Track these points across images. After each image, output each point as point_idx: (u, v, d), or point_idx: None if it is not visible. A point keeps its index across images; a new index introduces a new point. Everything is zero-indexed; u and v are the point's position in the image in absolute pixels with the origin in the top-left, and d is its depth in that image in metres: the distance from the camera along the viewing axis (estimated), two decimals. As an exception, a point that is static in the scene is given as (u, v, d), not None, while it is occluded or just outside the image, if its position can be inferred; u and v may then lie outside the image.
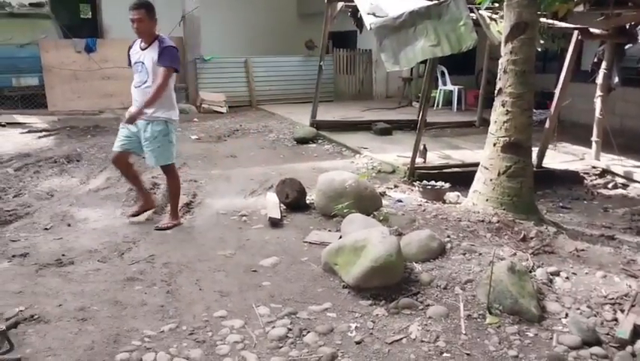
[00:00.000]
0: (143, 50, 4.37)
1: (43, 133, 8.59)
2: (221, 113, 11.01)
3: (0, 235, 4.27)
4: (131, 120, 4.33)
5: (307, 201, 5.10)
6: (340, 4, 8.34)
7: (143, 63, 4.35)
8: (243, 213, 4.92)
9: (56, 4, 12.61)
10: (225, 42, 13.70)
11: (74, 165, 6.66)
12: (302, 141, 8.21)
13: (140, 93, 4.38)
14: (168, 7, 12.69)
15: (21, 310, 3.01)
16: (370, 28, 5.83)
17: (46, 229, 4.49)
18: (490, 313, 3.08)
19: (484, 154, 4.84)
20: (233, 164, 6.91)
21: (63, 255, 3.89)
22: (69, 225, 4.58)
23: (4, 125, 8.93)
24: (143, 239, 4.26)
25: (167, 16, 12.46)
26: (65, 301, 3.18)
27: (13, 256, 3.89)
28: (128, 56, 4.52)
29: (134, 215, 4.73)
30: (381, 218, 4.43)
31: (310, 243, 4.21)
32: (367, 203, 4.70)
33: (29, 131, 8.59)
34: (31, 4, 11.15)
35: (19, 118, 9.50)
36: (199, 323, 2.97)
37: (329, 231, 4.46)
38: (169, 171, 4.63)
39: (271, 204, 4.97)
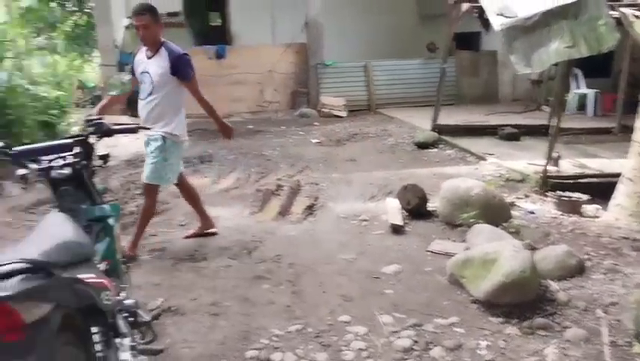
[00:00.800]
0: (148, 58, 3.96)
1: (178, 135, 9.21)
2: (341, 117, 11.13)
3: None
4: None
5: (429, 209, 4.97)
6: (465, 5, 8.07)
7: (148, 73, 3.93)
8: (363, 217, 4.91)
9: (189, 13, 13.46)
10: (345, 46, 13.81)
11: (206, 166, 7.07)
12: (422, 145, 8.05)
13: (146, 107, 3.96)
14: (290, 13, 13.19)
15: (163, 301, 3.23)
16: (499, 30, 5.57)
17: (181, 225, 4.80)
18: (639, 341, 2.79)
19: (628, 164, 4.43)
20: (353, 168, 6.93)
21: (196, 250, 4.13)
22: (202, 222, 4.85)
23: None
24: (269, 239, 4.40)
25: (289, 23, 13.00)
26: (199, 295, 3.36)
27: (153, 250, 4.19)
28: (132, 66, 4.11)
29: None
30: (512, 230, 4.21)
31: (434, 252, 4.09)
32: (495, 213, 4.48)
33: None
34: (168, 14, 12.03)
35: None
36: (324, 326, 3.00)
37: (453, 241, 4.31)
38: (149, 190, 4.08)
39: (392, 209, 4.91)
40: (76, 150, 2.36)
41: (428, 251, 4.12)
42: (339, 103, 11.42)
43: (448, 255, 3.88)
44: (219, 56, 11.41)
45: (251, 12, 14.07)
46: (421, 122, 9.53)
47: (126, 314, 2.15)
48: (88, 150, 2.39)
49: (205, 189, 5.96)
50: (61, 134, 7.24)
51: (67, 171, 2.30)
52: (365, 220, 4.83)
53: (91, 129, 2.40)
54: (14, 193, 5.86)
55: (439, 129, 8.56)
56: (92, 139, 2.41)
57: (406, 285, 3.54)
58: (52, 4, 13.32)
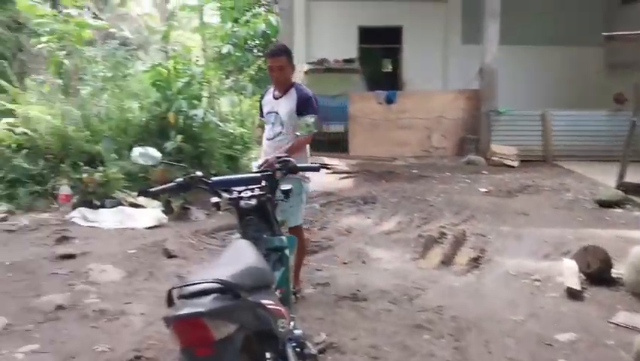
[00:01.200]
0: (276, 98, 3.93)
1: (344, 175, 9.53)
2: (512, 167, 10.62)
3: (308, 264, 4.81)
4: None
5: (613, 275, 4.47)
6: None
7: (277, 113, 3.90)
8: (535, 277, 4.57)
9: (363, 60, 14.03)
10: (520, 94, 13.30)
11: (369, 207, 7.17)
12: (605, 204, 7.32)
13: (273, 146, 3.90)
14: (463, 60, 13.11)
15: (326, 337, 3.30)
16: None
17: (344, 263, 4.90)
18: None
19: None
20: (523, 222, 6.53)
21: (358, 290, 4.17)
22: (364, 262, 4.92)
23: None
24: (431, 287, 4.29)
25: (461, 69, 12.91)
26: (359, 335, 3.38)
27: (317, 284, 4.33)
28: (260, 106, 4.13)
29: None
30: None
31: (617, 325, 3.66)
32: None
33: (333, 172, 9.63)
34: (345, 60, 12.67)
35: (326, 160, 10.76)
36: (489, 388, 2.82)
37: (642, 314, 3.82)
38: (299, 232, 3.97)
39: (569, 271, 4.50)
40: (263, 183, 2.55)
41: (611, 323, 3.69)
42: (510, 152, 10.93)
43: (636, 330, 3.45)
44: (389, 100, 11.67)
45: (423, 59, 14.31)
46: (603, 178, 8.73)
47: (294, 344, 2.23)
48: (273, 185, 2.57)
49: (367, 230, 6.05)
50: (243, 167, 7.89)
51: (253, 202, 2.49)
52: (537, 280, 4.49)
53: (278, 166, 2.58)
54: (199, 218, 6.50)
55: (626, 188, 7.73)
56: (278, 175, 2.59)
57: (583, 357, 3.20)
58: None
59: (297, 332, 2.25)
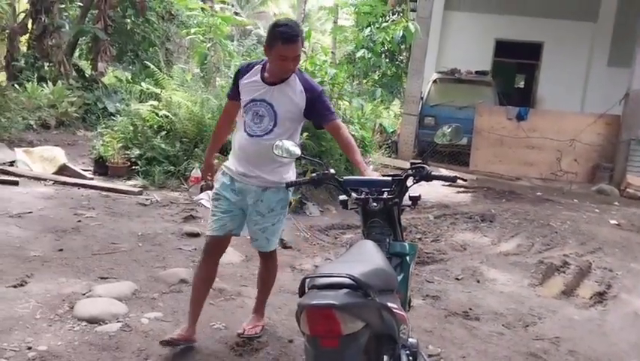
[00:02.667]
0: (268, 84, 2.92)
1: (462, 189, 9.27)
2: (649, 201, 9.72)
3: (418, 274, 4.75)
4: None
5: None
6: None
7: (269, 105, 2.90)
8: (667, 322, 4.16)
9: (495, 73, 13.57)
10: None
11: (487, 225, 6.91)
12: None
13: (256, 145, 2.93)
14: (607, 83, 12.21)
15: (440, 350, 3.24)
16: None
17: (457, 278, 4.77)
18: None
19: None
20: (659, 262, 5.96)
21: (470, 309, 4.04)
22: (478, 281, 4.75)
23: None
24: (549, 317, 4.05)
25: (603, 92, 12.05)
26: (469, 355, 3.28)
27: (427, 295, 4.26)
28: (236, 84, 3.04)
29: (167, 342, 2.99)
30: None
31: None
32: None
33: (450, 185, 9.40)
34: (477, 72, 12.32)
35: (443, 171, 10.53)
36: None
37: None
38: (272, 255, 3.27)
39: None
40: (393, 188, 2.56)
41: None
42: (649, 186, 10.01)
43: None
44: (520, 117, 11.17)
45: (562, 77, 13.57)
46: None
47: (408, 352, 2.21)
48: (402, 190, 2.56)
49: (483, 249, 5.84)
50: (357, 170, 7.94)
51: (380, 205, 2.51)
52: (669, 326, 4.09)
53: (411, 172, 2.56)
54: (314, 214, 6.65)
55: None
56: (409, 181, 2.57)
57: None
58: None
59: (411, 340, 2.23)
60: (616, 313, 4.32)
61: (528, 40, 14.13)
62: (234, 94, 3.07)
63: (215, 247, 3.15)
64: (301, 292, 1.83)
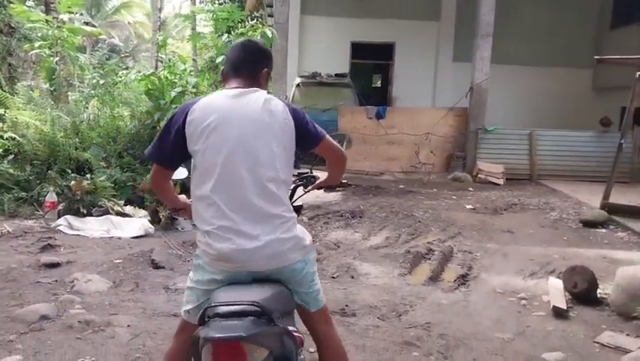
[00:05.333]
0: None
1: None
2: (498, 184, 10.72)
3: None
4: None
5: (598, 295, 4.52)
6: (653, 78, 7.47)
7: None
8: (521, 295, 4.60)
9: (354, 75, 14.15)
10: (509, 114, 13.52)
11: (357, 221, 7.19)
12: (590, 224, 7.42)
13: None
14: (454, 78, 13.27)
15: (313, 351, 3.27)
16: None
17: (332, 277, 4.89)
18: None
19: None
20: (510, 240, 6.58)
21: (347, 305, 4.16)
22: (352, 277, 4.91)
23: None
24: (419, 304, 4.30)
25: (451, 87, 13.07)
26: (348, 351, 3.32)
27: (305, 298, 4.30)
28: None
29: None
30: (702, 333, 3.66)
31: (603, 345, 3.69)
32: (682, 311, 3.94)
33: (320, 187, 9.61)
34: (336, 75, 12.74)
35: (315, 173, 10.75)
36: (476, 407, 2.82)
37: (627, 335, 3.84)
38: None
39: (555, 291, 4.55)
40: None
41: (596, 342, 3.72)
42: (497, 170, 11.04)
43: (620, 350, 3.49)
44: (379, 116, 11.75)
45: (414, 75, 14.47)
46: (588, 198, 8.86)
47: None
48: (292, 201, 2.45)
49: (356, 245, 6.05)
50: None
51: None
52: (524, 299, 4.52)
53: (299, 182, 2.51)
54: (186, 228, 6.46)
55: (610, 208, 7.85)
56: (299, 191, 2.51)
57: (569, 377, 3.22)
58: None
59: (300, 357, 2.16)
60: (478, 293, 4.70)
61: (381, 41, 14.86)
62: None
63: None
64: (201, 321, 1.74)
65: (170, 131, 2.15)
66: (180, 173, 2.48)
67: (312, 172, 2.51)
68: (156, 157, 2.25)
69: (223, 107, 2.10)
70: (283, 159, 2.11)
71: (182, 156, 2.17)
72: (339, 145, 2.47)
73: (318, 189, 2.55)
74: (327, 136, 2.37)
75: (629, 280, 4.18)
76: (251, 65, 2.28)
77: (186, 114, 2.11)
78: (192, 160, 2.12)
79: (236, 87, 2.20)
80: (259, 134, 2.06)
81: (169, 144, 2.16)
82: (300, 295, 2.11)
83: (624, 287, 4.19)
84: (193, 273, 2.17)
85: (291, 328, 1.85)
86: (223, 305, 1.72)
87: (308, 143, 2.30)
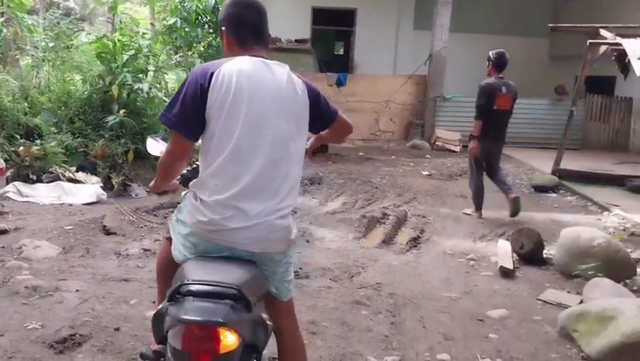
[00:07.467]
0: None
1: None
2: (455, 151, 10.91)
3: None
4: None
5: (544, 255, 4.70)
6: (603, 48, 7.66)
7: None
8: (471, 256, 4.74)
9: (315, 41, 13.99)
10: (467, 81, 13.61)
11: (316, 187, 7.22)
12: (540, 189, 7.66)
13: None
14: (414, 46, 13.25)
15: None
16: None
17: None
18: None
19: None
20: (463, 204, 6.73)
21: (300, 268, 4.20)
22: (307, 241, 4.95)
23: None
24: (371, 266, 4.38)
25: (411, 55, 13.06)
26: (299, 312, 3.36)
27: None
28: None
29: None
30: (635, 288, 3.85)
31: (545, 302, 3.85)
32: (618, 268, 4.13)
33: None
34: (297, 41, 12.59)
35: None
36: (421, 361, 2.91)
37: (567, 292, 4.03)
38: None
39: (503, 252, 4.70)
40: None
41: (539, 300, 3.88)
42: (454, 137, 11.22)
43: (561, 306, 3.66)
44: (340, 83, 11.73)
45: (375, 43, 14.39)
46: (541, 164, 9.12)
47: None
48: None
49: (312, 210, 6.09)
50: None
51: None
52: (473, 260, 4.66)
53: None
54: (140, 195, 6.36)
55: (560, 174, 8.12)
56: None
57: (511, 332, 3.35)
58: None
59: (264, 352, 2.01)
60: (428, 255, 4.81)
61: (343, 7, 14.68)
62: None
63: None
64: (172, 298, 1.61)
65: (193, 95, 1.90)
66: (159, 147, 2.34)
67: None
68: (182, 127, 1.94)
69: (251, 77, 1.94)
70: (297, 141, 2.02)
71: (202, 125, 1.93)
72: (347, 120, 2.39)
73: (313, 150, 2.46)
74: (340, 113, 2.26)
75: (571, 241, 4.36)
76: (267, 31, 2.15)
77: (210, 77, 1.90)
78: (206, 125, 1.92)
79: (260, 56, 2.05)
80: (280, 112, 1.96)
81: (192, 109, 1.91)
82: (274, 283, 2.02)
83: (567, 247, 4.36)
84: (175, 223, 2.07)
85: (264, 315, 1.76)
86: (199, 284, 1.60)
87: (322, 123, 2.23)
